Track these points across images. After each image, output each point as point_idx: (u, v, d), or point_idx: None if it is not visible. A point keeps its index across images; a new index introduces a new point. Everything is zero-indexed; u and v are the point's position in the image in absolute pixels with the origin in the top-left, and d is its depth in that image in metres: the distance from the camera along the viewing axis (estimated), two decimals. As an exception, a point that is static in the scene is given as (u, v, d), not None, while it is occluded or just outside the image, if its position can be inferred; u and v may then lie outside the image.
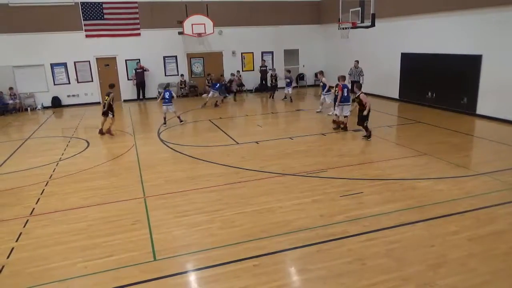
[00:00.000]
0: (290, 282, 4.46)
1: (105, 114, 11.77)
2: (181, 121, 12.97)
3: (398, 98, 16.02)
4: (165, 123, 12.82)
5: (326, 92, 13.34)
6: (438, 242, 5.06)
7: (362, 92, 10.16)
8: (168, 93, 12.52)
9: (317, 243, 5.12)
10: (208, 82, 19.41)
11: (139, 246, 5.27)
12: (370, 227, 5.52)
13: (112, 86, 12.27)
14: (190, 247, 5.20)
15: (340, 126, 11.24)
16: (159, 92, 19.25)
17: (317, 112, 13.90)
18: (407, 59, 15.24)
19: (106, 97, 11.74)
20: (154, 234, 5.58)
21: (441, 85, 13.75)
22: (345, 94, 10.82)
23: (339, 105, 10.95)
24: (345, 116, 11.03)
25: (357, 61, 15.59)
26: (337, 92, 11.01)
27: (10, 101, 16.68)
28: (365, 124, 10.18)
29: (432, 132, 10.85)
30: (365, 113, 9.95)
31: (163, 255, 5.01)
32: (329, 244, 5.09)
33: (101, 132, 11.87)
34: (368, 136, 10.19)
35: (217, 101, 16.15)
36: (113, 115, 11.92)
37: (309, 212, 6.09)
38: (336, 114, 11.31)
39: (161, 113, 13.43)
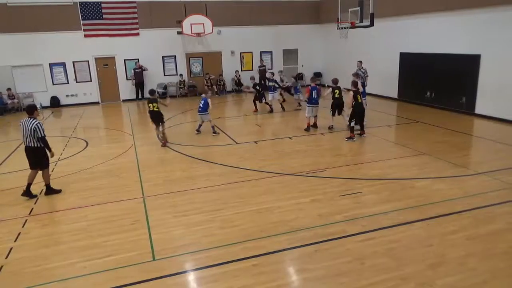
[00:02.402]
0: (289, 282, 4.46)
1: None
2: (214, 132, 11.32)
3: (397, 97, 16.04)
4: (198, 131, 11.53)
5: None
6: (436, 241, 5.07)
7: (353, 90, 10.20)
8: (203, 101, 11.14)
9: (316, 243, 5.13)
10: (207, 82, 19.44)
11: (138, 246, 5.27)
12: (369, 226, 5.52)
13: (152, 92, 10.62)
14: (189, 246, 5.20)
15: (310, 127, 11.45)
16: (158, 92, 19.28)
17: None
18: (406, 58, 15.26)
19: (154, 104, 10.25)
20: (153, 234, 5.58)
21: (440, 84, 13.77)
22: (314, 96, 11.05)
23: (309, 106, 11.26)
24: (311, 117, 11.40)
25: (361, 62, 14.71)
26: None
27: (9, 101, 16.67)
28: (351, 124, 10.23)
29: (431, 131, 10.87)
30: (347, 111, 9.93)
31: (162, 255, 5.01)
32: (328, 244, 5.10)
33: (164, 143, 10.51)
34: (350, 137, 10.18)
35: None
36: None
37: (308, 211, 6.09)
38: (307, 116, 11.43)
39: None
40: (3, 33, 16.48)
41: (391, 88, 16.13)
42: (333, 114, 11.19)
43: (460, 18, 12.64)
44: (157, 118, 10.33)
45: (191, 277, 4.61)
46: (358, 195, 6.66)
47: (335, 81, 11.18)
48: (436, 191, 6.71)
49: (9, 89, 16.69)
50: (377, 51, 16.57)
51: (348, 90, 10.91)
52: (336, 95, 10.82)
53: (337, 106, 10.98)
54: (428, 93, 14.33)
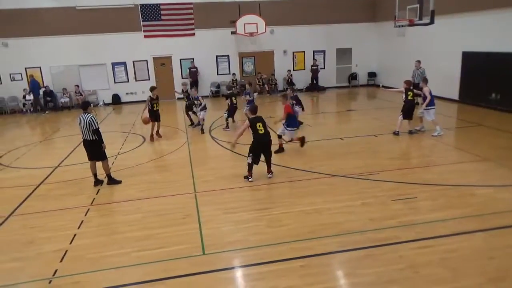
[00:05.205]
0: (337, 285, 4.39)
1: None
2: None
3: (457, 99, 15.13)
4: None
5: (427, 107, 10.30)
6: (498, 254, 4.73)
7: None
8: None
9: (367, 247, 4.99)
10: (259, 81, 19.60)
11: (189, 239, 5.45)
12: (424, 234, 5.28)
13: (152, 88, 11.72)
14: (238, 243, 5.29)
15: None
16: (211, 90, 19.76)
17: (416, 129, 10.77)
18: (468, 58, 14.35)
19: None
20: (203, 229, 5.74)
21: (506, 85, 12.78)
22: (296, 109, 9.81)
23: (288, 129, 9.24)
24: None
25: (419, 61, 14.48)
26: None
27: (62, 100, 18.16)
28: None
29: (495, 136, 10.13)
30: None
31: (212, 250, 5.14)
32: (379, 249, 4.95)
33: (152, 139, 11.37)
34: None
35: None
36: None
37: (359, 215, 5.95)
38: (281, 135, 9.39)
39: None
40: (72, 35, 17.79)
41: (452, 89, 15.23)
42: (405, 118, 10.47)
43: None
44: None
45: (238, 273, 4.69)
46: (413, 201, 6.38)
47: (409, 83, 10.77)
48: (500, 200, 6.26)
49: (77, 85, 18.03)
50: (437, 50, 15.72)
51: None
52: (409, 97, 10.44)
53: (409, 109, 10.47)
54: (493, 95, 13.37)
